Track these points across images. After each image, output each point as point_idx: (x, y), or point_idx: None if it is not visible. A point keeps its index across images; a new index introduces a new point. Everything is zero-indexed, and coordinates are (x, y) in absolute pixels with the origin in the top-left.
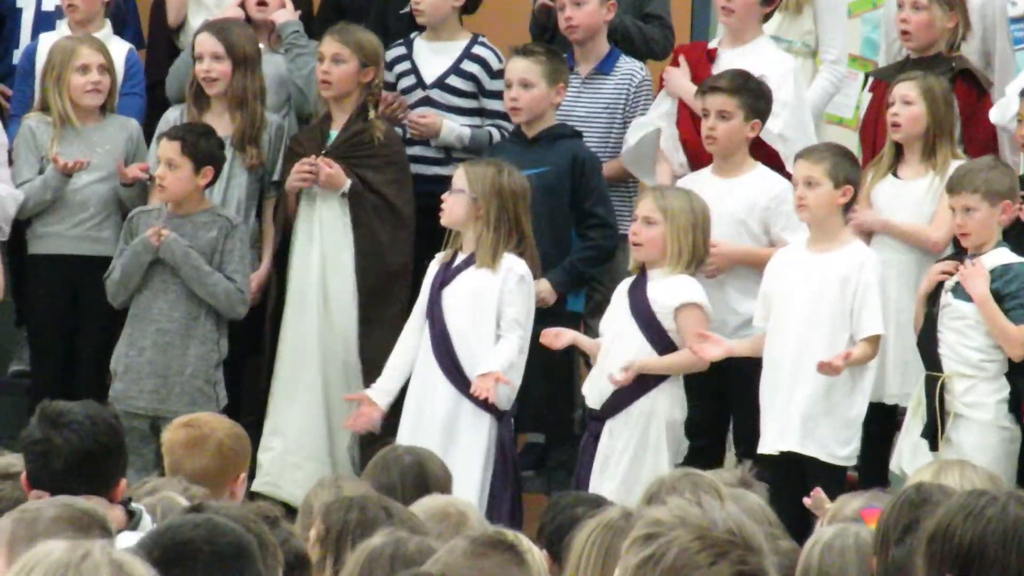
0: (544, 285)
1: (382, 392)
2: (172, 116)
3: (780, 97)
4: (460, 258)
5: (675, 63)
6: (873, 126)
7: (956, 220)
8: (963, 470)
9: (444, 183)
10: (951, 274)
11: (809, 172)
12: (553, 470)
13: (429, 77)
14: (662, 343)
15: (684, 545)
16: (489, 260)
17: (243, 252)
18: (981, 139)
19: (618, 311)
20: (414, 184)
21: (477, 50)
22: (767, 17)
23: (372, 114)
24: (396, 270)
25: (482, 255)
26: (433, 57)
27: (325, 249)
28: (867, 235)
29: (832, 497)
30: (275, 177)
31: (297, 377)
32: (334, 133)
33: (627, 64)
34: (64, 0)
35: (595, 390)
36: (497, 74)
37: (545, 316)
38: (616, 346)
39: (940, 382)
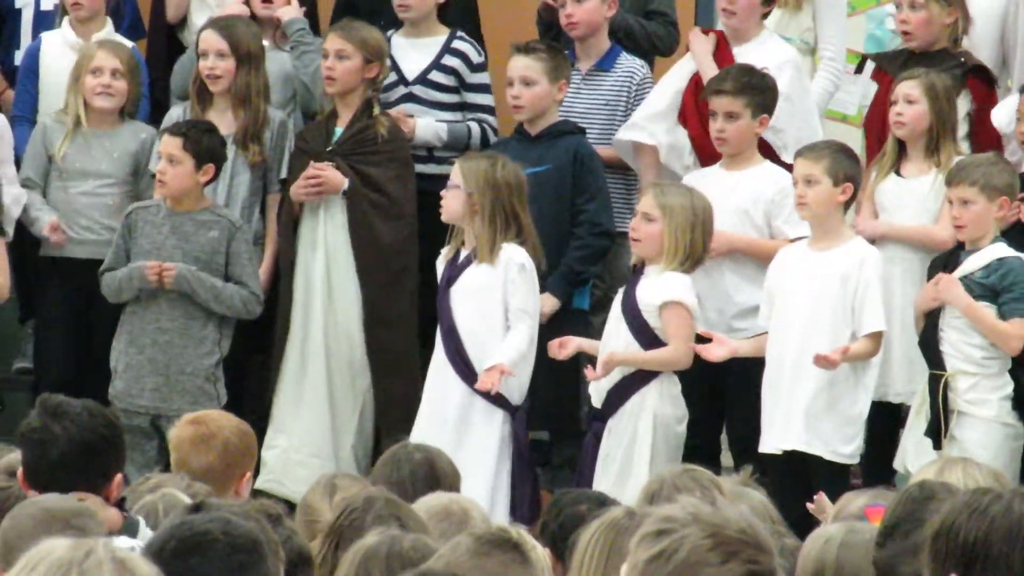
0: (547, 301)
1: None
2: (176, 113)
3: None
4: (463, 254)
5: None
6: (880, 120)
7: (952, 212)
8: (966, 467)
9: (429, 180)
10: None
11: (808, 170)
12: (558, 468)
13: (411, 73)
14: (647, 339)
15: (696, 542)
16: (488, 254)
17: (250, 253)
18: (993, 135)
19: (615, 308)
20: None
21: (457, 44)
22: (766, 14)
23: (376, 110)
24: (399, 268)
25: (481, 250)
26: (413, 53)
27: (329, 247)
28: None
29: (836, 495)
30: (282, 174)
31: (302, 375)
32: (339, 130)
33: (628, 62)
34: None
35: (597, 389)
36: (477, 67)
37: (552, 315)
38: (608, 343)
39: (943, 380)
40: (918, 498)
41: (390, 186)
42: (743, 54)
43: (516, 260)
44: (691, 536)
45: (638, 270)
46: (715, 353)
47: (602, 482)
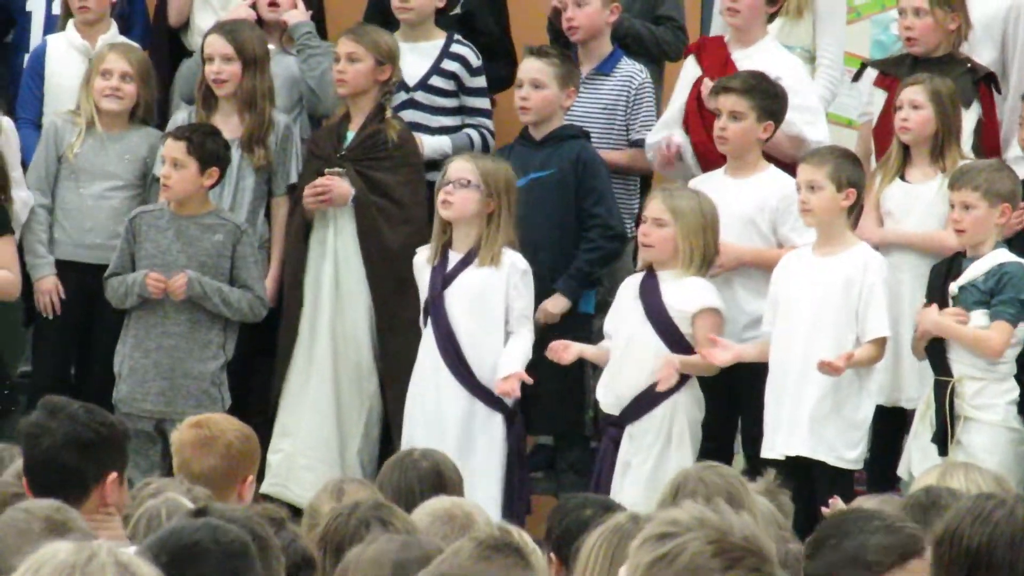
0: (558, 302)
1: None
2: (181, 118)
3: (811, 104)
4: (455, 257)
5: (692, 49)
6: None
7: (953, 215)
8: (968, 472)
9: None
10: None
11: (811, 176)
12: (562, 472)
13: (411, 79)
14: (679, 346)
15: (699, 548)
16: (493, 257)
17: (255, 256)
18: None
19: (628, 313)
20: None
21: (456, 48)
22: (771, 18)
23: (388, 113)
24: (409, 275)
25: (486, 253)
26: (411, 57)
27: (339, 252)
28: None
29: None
30: (291, 179)
31: (308, 379)
32: (351, 134)
33: (628, 66)
34: (76, 0)
35: (611, 395)
36: (476, 71)
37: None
38: (632, 350)
39: (950, 386)
40: (925, 505)
41: (399, 191)
42: (748, 60)
43: (519, 266)
44: (694, 541)
45: (648, 275)
46: (720, 357)
47: (625, 487)
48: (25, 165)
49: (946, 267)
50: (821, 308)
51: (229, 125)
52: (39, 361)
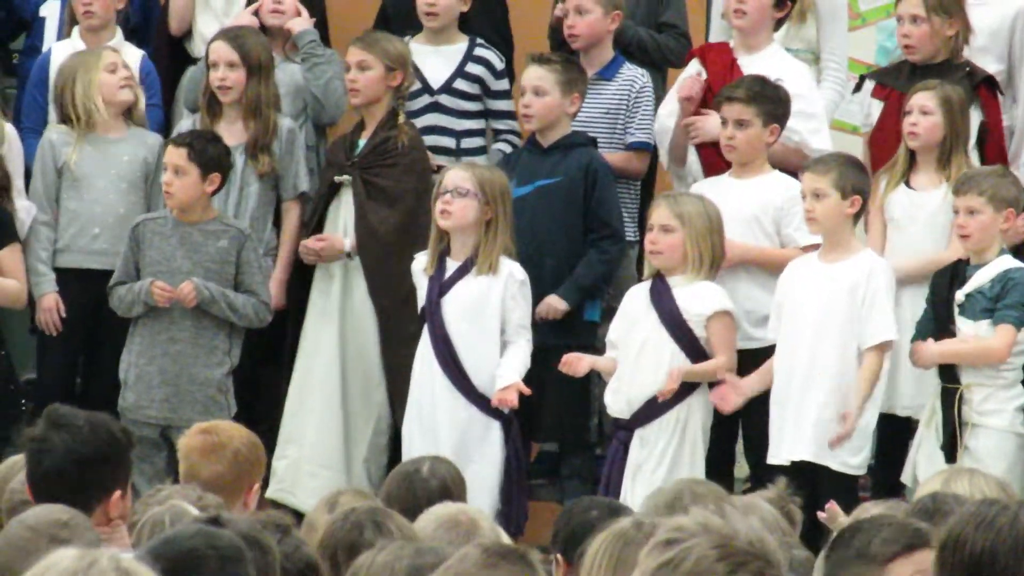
0: (558, 303)
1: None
2: (185, 125)
3: (816, 112)
4: (452, 265)
5: (696, 54)
6: (886, 136)
7: (958, 221)
8: (972, 477)
9: None
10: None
11: (816, 184)
12: (567, 479)
13: (435, 82)
14: (694, 351)
15: (703, 553)
16: (492, 266)
17: (259, 262)
18: (1002, 147)
19: (639, 319)
20: None
21: (479, 52)
22: (778, 25)
23: (401, 118)
24: (412, 290)
25: (484, 261)
26: (435, 61)
27: (346, 261)
28: (883, 244)
29: (843, 506)
30: (301, 188)
31: (315, 386)
32: (363, 142)
33: (630, 71)
34: (80, 6)
35: (621, 400)
36: (500, 74)
37: (562, 327)
38: (646, 355)
39: (958, 394)
40: (930, 511)
41: (407, 200)
42: (751, 66)
43: (517, 276)
44: (699, 546)
45: (659, 282)
46: (733, 404)
47: (636, 491)
48: (28, 172)
49: (950, 274)
50: (826, 314)
51: (233, 132)
52: (44, 368)
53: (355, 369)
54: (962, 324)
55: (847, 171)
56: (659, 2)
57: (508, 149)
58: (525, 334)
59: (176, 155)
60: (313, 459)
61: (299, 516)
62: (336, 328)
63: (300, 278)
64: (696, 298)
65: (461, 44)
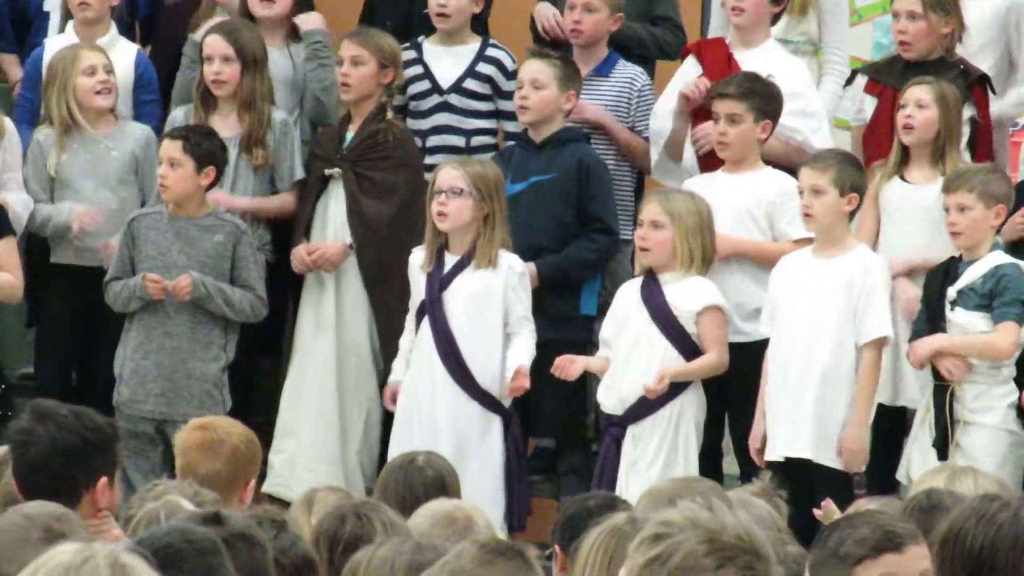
0: (532, 269)
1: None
2: (178, 117)
3: (815, 110)
4: (451, 260)
5: (692, 50)
6: (880, 132)
7: (949, 218)
8: (976, 478)
9: None
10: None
11: (815, 180)
12: (563, 475)
13: (445, 82)
14: (686, 347)
15: (692, 547)
16: (491, 260)
17: (255, 257)
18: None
19: (631, 316)
20: None
21: (491, 52)
22: (776, 19)
23: (390, 115)
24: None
25: (483, 255)
26: (446, 60)
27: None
28: (875, 238)
29: (839, 503)
30: (297, 173)
31: (310, 380)
32: (350, 135)
33: (627, 68)
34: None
35: (614, 396)
36: (512, 74)
37: (559, 322)
38: (638, 352)
39: (950, 391)
40: (926, 507)
41: (401, 192)
42: (748, 61)
43: (516, 268)
44: (687, 541)
45: (649, 279)
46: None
47: (631, 488)
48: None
49: (942, 271)
50: (821, 311)
51: (227, 124)
52: (42, 364)
53: (349, 363)
54: (956, 315)
55: (846, 169)
56: None
57: None
58: (528, 325)
59: (172, 148)
60: (309, 453)
61: None
62: (331, 321)
63: (293, 273)
64: (686, 294)
65: (473, 44)
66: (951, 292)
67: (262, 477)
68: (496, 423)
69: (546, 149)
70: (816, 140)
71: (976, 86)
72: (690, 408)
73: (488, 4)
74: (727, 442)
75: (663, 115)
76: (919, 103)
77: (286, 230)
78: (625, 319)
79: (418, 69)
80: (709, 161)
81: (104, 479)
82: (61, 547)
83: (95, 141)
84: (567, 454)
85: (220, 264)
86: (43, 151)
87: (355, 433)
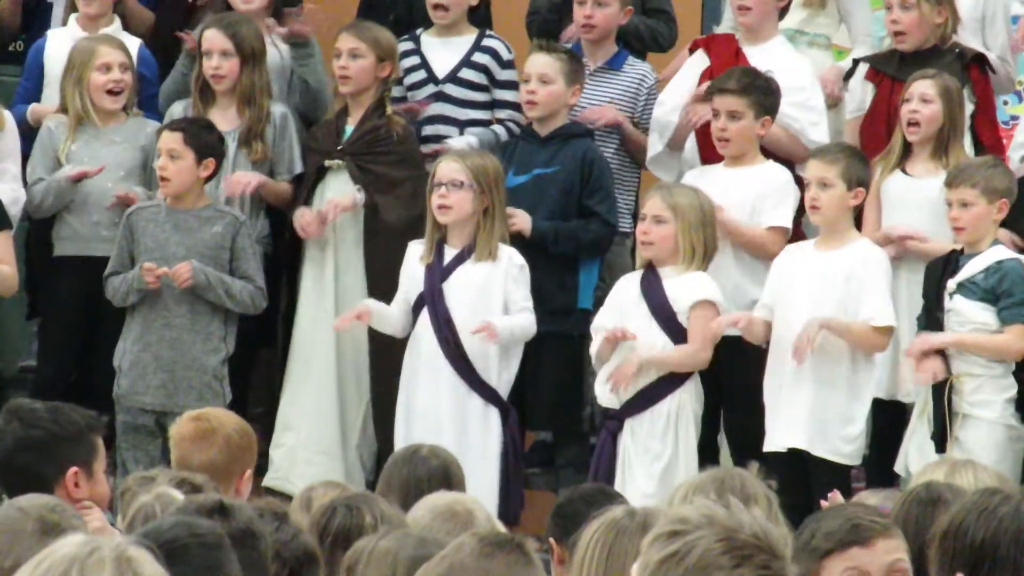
0: (527, 218)
1: (379, 308)
2: (176, 110)
3: (816, 104)
4: (451, 253)
5: (700, 44)
6: (880, 120)
7: (951, 213)
8: (976, 471)
9: None
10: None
11: (823, 173)
12: (561, 468)
13: (441, 72)
14: (684, 342)
15: (709, 545)
16: (491, 252)
17: (254, 248)
18: (995, 128)
19: (629, 310)
20: None
21: (487, 42)
22: (783, 13)
23: (389, 109)
24: None
25: (483, 248)
26: (443, 52)
27: (339, 247)
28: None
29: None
30: (296, 167)
31: (309, 373)
32: (350, 128)
33: (637, 65)
34: None
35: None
36: (507, 64)
37: (556, 315)
38: (637, 346)
39: (948, 384)
40: (924, 500)
41: (404, 187)
42: (756, 57)
43: (516, 261)
44: (704, 539)
45: (649, 272)
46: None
47: (631, 482)
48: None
49: (942, 264)
50: (821, 302)
51: (226, 119)
52: (44, 356)
53: (348, 356)
54: (956, 303)
55: (853, 162)
56: None
57: (504, 134)
58: (528, 313)
59: (171, 139)
60: (309, 446)
61: None
62: (330, 315)
63: (289, 266)
64: (684, 288)
65: (470, 36)
66: (950, 284)
67: (262, 471)
68: (494, 415)
69: (550, 143)
70: (814, 133)
71: (974, 66)
72: (688, 402)
73: None
74: (720, 436)
75: (670, 107)
76: (923, 97)
77: (284, 223)
78: (623, 312)
79: (415, 60)
80: (710, 147)
81: (74, 469)
82: (67, 539)
83: (105, 133)
84: (565, 447)
85: (219, 255)
86: (52, 137)
87: (355, 426)
